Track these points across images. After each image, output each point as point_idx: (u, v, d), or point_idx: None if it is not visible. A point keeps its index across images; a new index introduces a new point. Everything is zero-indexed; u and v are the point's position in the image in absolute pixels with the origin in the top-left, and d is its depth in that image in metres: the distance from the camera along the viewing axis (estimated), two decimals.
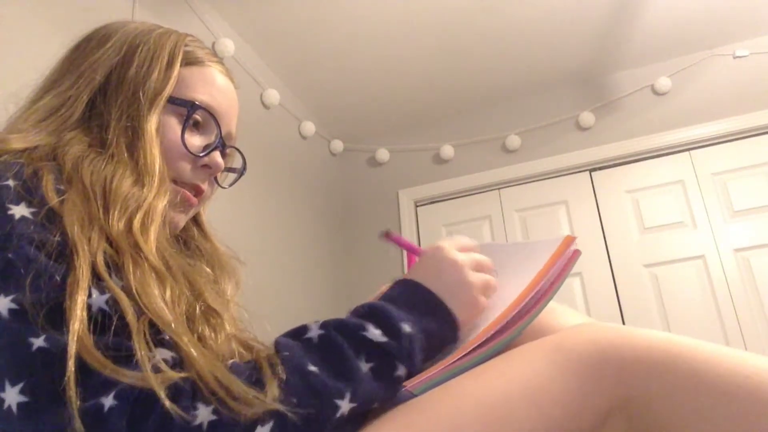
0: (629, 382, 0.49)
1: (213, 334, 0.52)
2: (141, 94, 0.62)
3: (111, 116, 0.61)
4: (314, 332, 0.50)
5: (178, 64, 0.66)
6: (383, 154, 2.87)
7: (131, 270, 0.49)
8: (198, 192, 0.68)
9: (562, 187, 2.59)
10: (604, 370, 0.49)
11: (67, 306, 0.44)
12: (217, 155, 0.68)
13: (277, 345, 0.49)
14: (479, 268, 0.63)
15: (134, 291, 0.47)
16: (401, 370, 0.51)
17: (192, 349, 0.45)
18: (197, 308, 0.52)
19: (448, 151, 2.76)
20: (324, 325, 0.51)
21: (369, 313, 0.53)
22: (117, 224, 0.52)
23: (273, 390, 0.43)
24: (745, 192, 2.32)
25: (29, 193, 0.50)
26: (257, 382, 0.44)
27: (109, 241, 0.50)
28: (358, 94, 2.61)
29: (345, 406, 0.46)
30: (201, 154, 0.66)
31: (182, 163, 0.65)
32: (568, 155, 2.58)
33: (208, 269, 0.70)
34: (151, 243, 0.52)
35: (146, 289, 0.48)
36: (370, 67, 2.43)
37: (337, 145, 2.88)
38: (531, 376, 0.50)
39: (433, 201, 2.80)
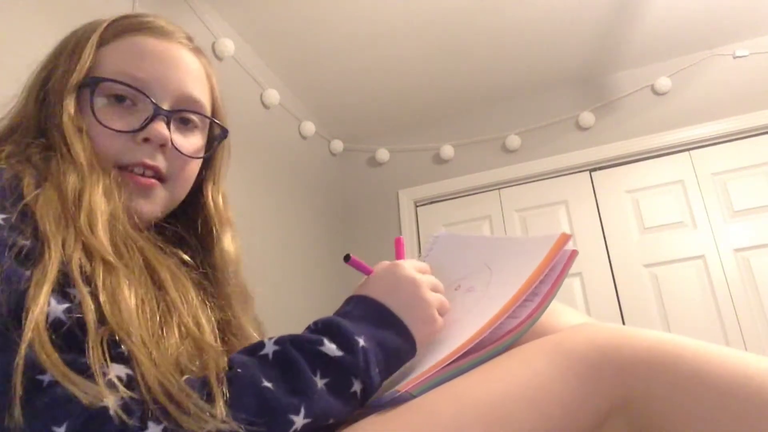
0: (629, 382, 0.48)
1: (174, 332, 0.50)
2: (52, 88, 0.61)
3: (47, 117, 0.60)
4: (269, 348, 0.49)
5: (92, 47, 0.62)
6: (383, 154, 2.87)
7: (101, 275, 0.47)
8: (153, 170, 0.62)
9: (562, 187, 2.59)
10: (604, 370, 0.49)
11: (26, 312, 0.42)
12: (156, 125, 0.61)
13: (231, 362, 0.48)
14: (435, 288, 0.63)
15: (100, 298, 0.45)
16: (357, 386, 0.50)
17: (148, 363, 0.44)
18: (159, 304, 0.51)
19: (448, 151, 2.76)
20: (279, 341, 0.50)
21: (324, 328, 0.52)
22: (75, 225, 0.50)
23: (222, 407, 0.43)
24: (745, 192, 2.32)
25: (4, 196, 0.49)
26: (210, 399, 0.43)
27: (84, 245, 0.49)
28: (358, 94, 2.61)
29: (299, 421, 0.46)
30: (132, 130, 0.60)
31: (116, 143, 0.60)
32: (568, 155, 2.58)
33: (187, 257, 0.66)
34: (104, 241, 0.50)
35: (115, 296, 0.46)
36: (370, 67, 2.43)
37: (337, 145, 2.88)
38: (531, 376, 0.50)
39: (433, 201, 2.80)
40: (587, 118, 2.58)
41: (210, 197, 0.73)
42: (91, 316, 0.44)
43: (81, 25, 0.67)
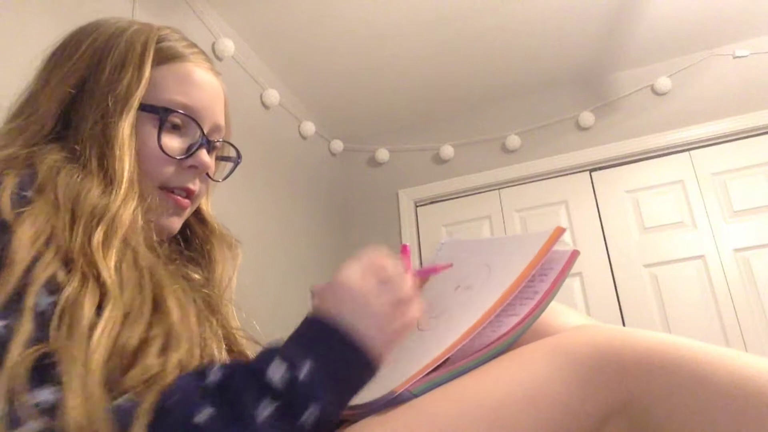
0: (629, 384, 0.49)
1: (162, 360, 0.48)
2: (110, 102, 0.61)
3: (84, 126, 0.60)
4: (213, 377, 0.46)
5: (149, 66, 0.64)
6: (383, 154, 2.87)
7: (69, 290, 0.46)
8: (189, 193, 0.67)
9: (562, 187, 2.59)
10: (605, 372, 0.49)
11: None
12: (202, 154, 0.66)
13: (170, 389, 0.45)
14: (401, 308, 0.54)
15: (55, 314, 0.45)
16: (305, 416, 0.46)
17: (75, 391, 0.42)
18: (152, 331, 0.49)
19: (448, 151, 2.76)
20: (225, 370, 0.47)
21: (269, 356, 0.48)
22: (79, 240, 0.50)
23: None
24: (745, 192, 2.32)
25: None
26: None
27: (66, 262, 0.48)
28: (358, 94, 2.61)
29: None
30: (182, 157, 0.64)
31: (166, 168, 0.64)
32: (568, 155, 2.58)
33: (197, 276, 0.67)
34: (110, 259, 0.50)
35: (73, 313, 0.45)
36: (370, 67, 2.43)
37: (337, 145, 2.88)
38: (531, 377, 0.50)
39: (433, 201, 2.80)
40: (587, 118, 2.58)
41: (208, 211, 0.76)
42: (21, 336, 0.43)
43: (111, 24, 0.67)
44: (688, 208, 2.38)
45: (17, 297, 0.44)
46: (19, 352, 0.42)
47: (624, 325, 2.31)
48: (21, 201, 0.49)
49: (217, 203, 0.79)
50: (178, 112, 0.64)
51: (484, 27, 2.24)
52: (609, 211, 2.49)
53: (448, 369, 0.55)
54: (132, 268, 0.52)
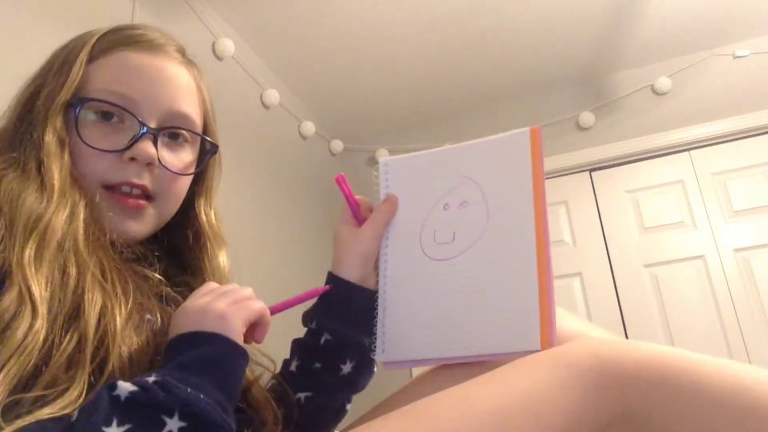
0: (630, 394, 0.49)
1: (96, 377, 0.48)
2: (40, 105, 0.59)
3: (23, 133, 0.59)
4: (121, 390, 0.44)
5: (82, 63, 0.61)
6: (383, 154, 2.87)
7: (6, 302, 0.46)
8: (143, 189, 0.62)
9: (562, 187, 2.59)
10: (606, 383, 0.50)
11: None
12: (142, 144, 0.60)
13: (84, 407, 0.44)
14: (237, 298, 0.56)
15: None
16: (172, 423, 0.43)
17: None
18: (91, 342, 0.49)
19: None
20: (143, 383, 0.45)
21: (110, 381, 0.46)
22: (15, 252, 0.49)
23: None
24: (745, 192, 2.32)
25: None
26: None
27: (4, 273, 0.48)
28: (358, 94, 2.61)
29: None
30: (119, 150, 0.59)
31: (102, 164, 0.60)
32: (568, 155, 2.58)
33: (155, 275, 0.64)
34: (42, 274, 0.49)
35: (6, 326, 0.45)
36: (370, 67, 2.43)
37: (337, 145, 2.88)
38: (533, 387, 0.50)
39: None
40: (587, 118, 2.58)
41: (203, 213, 0.72)
42: None
43: (72, 38, 0.66)
44: (688, 208, 2.38)
45: None
46: None
47: (624, 325, 2.31)
48: None
49: (217, 203, 0.79)
50: (95, 99, 0.60)
51: (484, 27, 2.24)
52: (609, 211, 2.49)
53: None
54: (60, 278, 0.51)
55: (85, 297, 0.51)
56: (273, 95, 2.29)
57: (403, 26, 2.20)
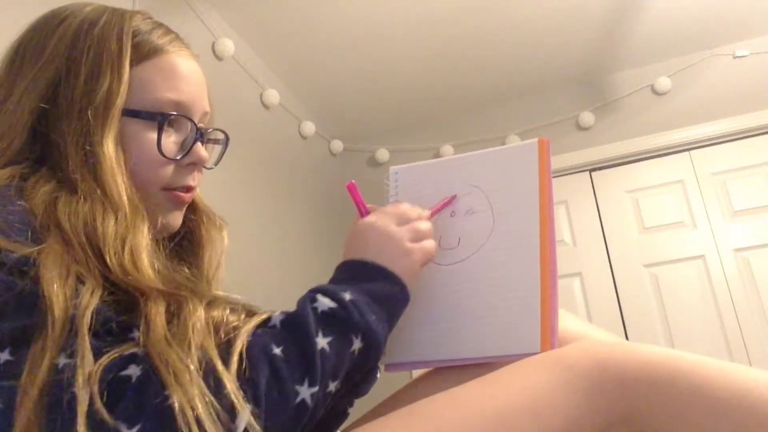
0: (630, 397, 0.49)
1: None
2: (90, 115, 0.55)
3: (66, 144, 0.55)
4: (276, 319, 0.51)
5: (128, 66, 0.58)
6: (383, 154, 2.87)
7: (145, 310, 0.47)
8: (189, 189, 0.65)
9: (562, 187, 2.59)
10: (606, 385, 0.50)
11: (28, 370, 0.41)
12: (198, 149, 0.63)
13: (242, 335, 0.48)
14: (418, 236, 0.61)
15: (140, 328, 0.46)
16: (358, 342, 0.51)
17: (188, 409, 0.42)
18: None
19: (448, 151, 2.76)
20: (284, 312, 0.52)
21: (312, 295, 0.53)
22: (117, 267, 0.49)
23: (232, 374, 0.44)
24: (745, 192, 2.32)
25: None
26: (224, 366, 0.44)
27: (110, 290, 0.48)
28: (358, 94, 2.61)
29: (305, 392, 0.46)
30: (180, 157, 0.62)
31: (166, 171, 0.61)
32: (568, 155, 2.58)
33: (185, 269, 0.66)
34: (151, 275, 0.51)
35: (150, 325, 0.46)
36: (370, 67, 2.43)
37: (337, 145, 2.88)
38: (534, 388, 0.50)
39: None
40: (587, 118, 2.58)
41: (199, 197, 0.73)
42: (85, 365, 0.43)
43: (77, 16, 0.61)
44: (688, 208, 2.38)
45: (72, 334, 0.43)
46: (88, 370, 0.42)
47: (624, 325, 2.32)
48: (33, 237, 0.47)
49: (217, 203, 0.79)
50: (173, 114, 0.60)
51: (484, 27, 2.24)
52: (609, 211, 2.49)
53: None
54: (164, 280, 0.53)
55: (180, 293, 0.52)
56: (273, 95, 2.29)
57: (403, 26, 2.20)
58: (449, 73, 2.51)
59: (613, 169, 2.55)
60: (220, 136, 0.71)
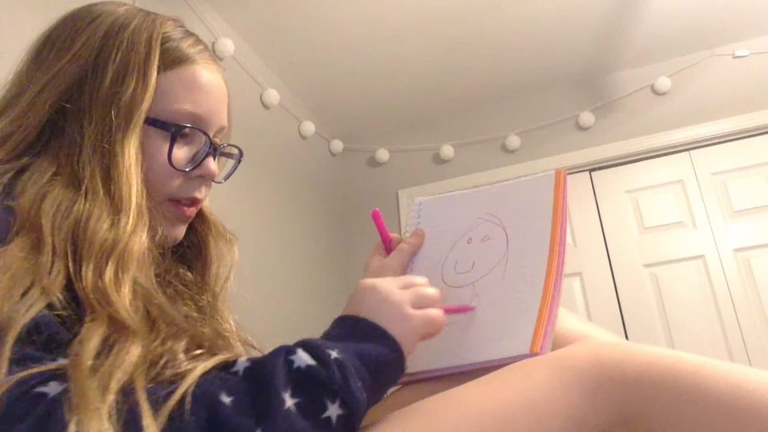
0: (631, 398, 0.49)
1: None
2: (113, 115, 0.55)
3: (82, 140, 0.54)
4: (241, 365, 0.45)
5: (155, 72, 0.58)
6: (383, 154, 2.87)
7: (84, 328, 0.44)
8: (195, 202, 0.64)
9: None
10: (606, 386, 0.50)
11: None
12: (209, 163, 0.63)
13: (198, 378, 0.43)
14: (422, 302, 0.55)
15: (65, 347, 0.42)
16: (334, 408, 0.43)
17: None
18: (166, 357, 0.47)
19: (447, 151, 2.76)
20: (252, 359, 0.46)
21: (297, 344, 0.47)
22: (90, 277, 0.47)
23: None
24: (745, 192, 2.32)
25: None
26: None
27: (68, 302, 0.46)
28: (358, 94, 2.61)
29: None
30: (189, 169, 0.61)
31: (174, 181, 0.61)
32: (568, 155, 2.58)
33: (189, 276, 0.66)
34: (124, 296, 0.47)
35: (82, 347, 0.42)
36: (370, 67, 2.43)
37: (337, 145, 2.88)
38: (533, 389, 0.50)
39: None
40: (587, 118, 2.58)
41: (206, 205, 0.73)
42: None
43: (109, 16, 0.61)
44: (688, 208, 2.38)
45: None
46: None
47: (624, 325, 2.31)
48: (2, 239, 0.46)
49: (217, 203, 0.79)
50: (187, 127, 0.60)
51: (484, 27, 2.24)
52: (609, 211, 2.49)
53: (556, 311, 0.60)
54: (139, 299, 0.50)
55: (175, 319, 0.51)
56: (273, 95, 2.29)
57: (403, 26, 2.20)
58: (449, 73, 2.51)
59: (613, 169, 2.55)
60: (234, 151, 0.71)
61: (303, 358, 0.45)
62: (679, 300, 2.28)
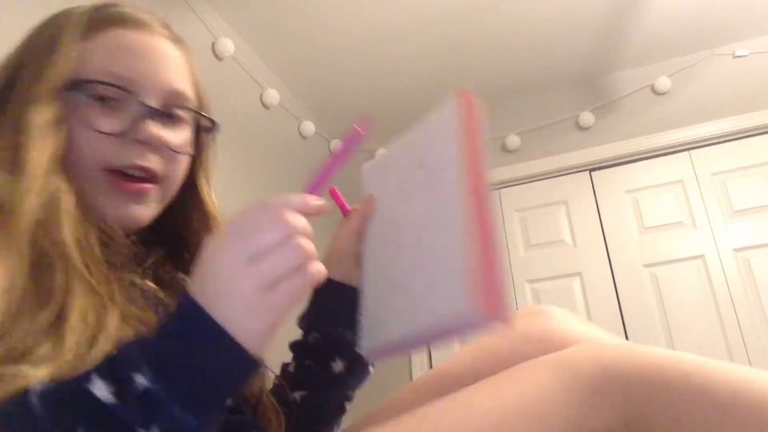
0: (633, 399, 0.49)
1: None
2: (25, 87, 0.55)
3: (3, 114, 0.55)
4: (34, 390, 0.39)
5: (78, 39, 0.57)
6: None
7: None
8: (150, 173, 0.59)
9: (562, 187, 2.59)
10: (607, 387, 0.50)
11: None
12: (147, 126, 0.58)
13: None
14: (277, 273, 0.41)
15: None
16: None
17: None
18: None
19: None
20: (44, 387, 0.39)
21: (104, 362, 0.39)
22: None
23: None
24: (745, 192, 2.32)
25: None
26: None
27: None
28: (358, 94, 2.61)
29: None
30: (119, 132, 0.57)
31: (105, 147, 0.56)
32: (568, 155, 2.58)
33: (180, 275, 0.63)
34: (4, 261, 0.45)
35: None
36: (370, 67, 2.43)
37: (337, 145, 2.88)
38: (535, 391, 0.50)
39: None
40: (587, 118, 2.58)
41: (206, 195, 0.70)
42: None
43: (51, 15, 0.62)
44: (688, 208, 2.38)
45: None
46: None
47: (624, 325, 2.31)
48: None
49: (217, 203, 0.78)
50: (101, 82, 0.56)
51: (484, 27, 2.24)
52: (609, 211, 2.49)
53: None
54: (35, 272, 0.46)
55: (71, 301, 0.46)
56: (273, 95, 2.29)
57: (403, 26, 2.20)
58: (449, 73, 2.51)
59: (613, 169, 2.54)
60: (182, 115, 0.64)
61: (99, 389, 0.37)
62: (679, 300, 2.28)
